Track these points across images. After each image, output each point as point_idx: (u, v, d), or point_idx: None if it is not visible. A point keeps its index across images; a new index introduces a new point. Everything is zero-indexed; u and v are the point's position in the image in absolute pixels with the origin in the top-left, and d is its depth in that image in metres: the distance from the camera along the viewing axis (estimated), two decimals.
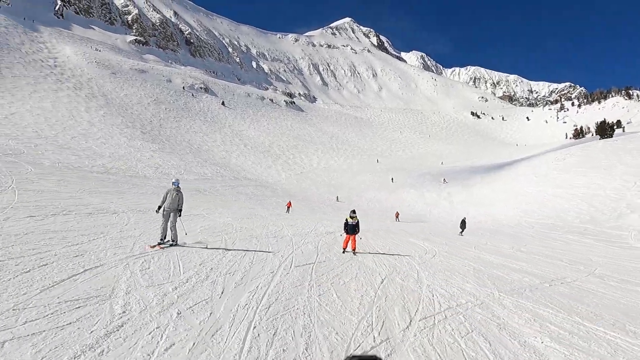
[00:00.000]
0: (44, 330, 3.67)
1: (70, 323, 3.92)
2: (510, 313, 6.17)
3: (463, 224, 26.90)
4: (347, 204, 47.26)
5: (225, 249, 9.08)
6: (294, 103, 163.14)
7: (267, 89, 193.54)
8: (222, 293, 5.62)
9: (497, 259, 12.77)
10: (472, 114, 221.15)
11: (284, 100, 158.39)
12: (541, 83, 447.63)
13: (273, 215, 23.12)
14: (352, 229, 10.93)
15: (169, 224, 8.99)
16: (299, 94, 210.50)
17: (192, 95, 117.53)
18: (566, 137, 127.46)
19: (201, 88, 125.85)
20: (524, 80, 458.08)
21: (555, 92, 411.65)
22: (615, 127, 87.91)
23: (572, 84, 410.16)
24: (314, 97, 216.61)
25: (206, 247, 9.07)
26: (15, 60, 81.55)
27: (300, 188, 59.46)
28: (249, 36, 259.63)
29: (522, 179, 50.05)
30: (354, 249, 10.81)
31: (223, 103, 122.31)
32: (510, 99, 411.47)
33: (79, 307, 4.36)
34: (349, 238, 10.97)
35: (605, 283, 9.83)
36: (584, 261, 14.40)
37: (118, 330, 3.92)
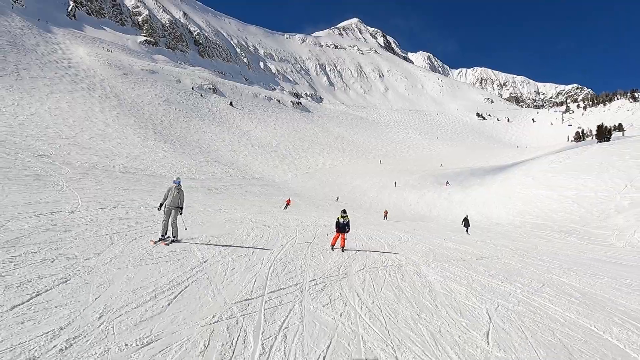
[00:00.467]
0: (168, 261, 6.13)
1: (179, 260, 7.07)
2: (430, 269, 9.49)
3: (466, 223, 28.40)
4: (349, 203, 49.39)
5: (248, 234, 11.90)
6: (301, 103, 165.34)
7: (274, 89, 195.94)
8: (252, 253, 8.96)
9: (455, 245, 15.24)
10: (478, 115, 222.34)
11: (291, 101, 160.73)
12: (548, 84, 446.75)
13: (280, 211, 25.48)
14: (342, 227, 11.52)
15: (170, 220, 9.42)
16: (306, 94, 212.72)
17: (201, 95, 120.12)
18: (568, 140, 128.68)
19: (210, 88, 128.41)
20: (531, 81, 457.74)
21: (562, 93, 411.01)
22: (614, 131, 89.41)
23: (579, 86, 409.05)
24: (320, 98, 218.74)
25: (208, 244, 11.43)
26: (32, 61, 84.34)
27: (306, 187, 61.69)
28: (256, 36, 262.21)
29: (517, 182, 51.98)
30: (342, 247, 11.33)
31: (231, 103, 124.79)
32: (517, 100, 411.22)
33: (180, 254, 7.76)
34: (338, 236, 11.54)
35: (522, 260, 12.67)
36: (529, 249, 16.86)
37: (203, 264, 7.39)
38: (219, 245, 9.51)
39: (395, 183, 66.61)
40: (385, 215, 37.53)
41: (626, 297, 8.21)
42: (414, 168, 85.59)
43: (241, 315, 4.89)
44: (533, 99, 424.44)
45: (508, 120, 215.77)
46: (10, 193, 11.98)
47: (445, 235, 21.04)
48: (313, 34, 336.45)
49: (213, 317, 4.74)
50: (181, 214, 9.76)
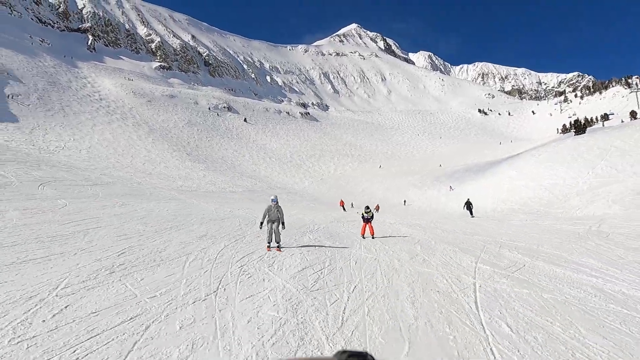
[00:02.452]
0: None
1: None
2: (399, 225, 17.69)
3: (468, 206, 31.53)
4: (362, 204, 58.59)
5: (304, 220, 20.68)
6: (309, 114, 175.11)
7: (282, 101, 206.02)
8: (312, 221, 17.31)
9: (415, 223, 24.09)
10: (479, 111, 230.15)
11: (299, 112, 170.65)
12: (549, 74, 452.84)
13: (309, 211, 34.74)
14: (366, 220, 14.00)
15: (273, 228, 10.34)
16: (312, 103, 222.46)
17: (217, 114, 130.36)
18: (557, 132, 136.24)
19: (224, 107, 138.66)
20: (532, 72, 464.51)
21: (564, 82, 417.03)
22: (601, 120, 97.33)
23: (580, 73, 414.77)
24: (326, 106, 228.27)
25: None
26: (70, 98, 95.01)
27: (322, 192, 71.03)
28: (261, 51, 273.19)
29: (504, 175, 60.64)
30: (372, 234, 13.77)
31: (245, 120, 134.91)
32: (520, 92, 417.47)
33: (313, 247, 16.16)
34: (366, 225, 13.88)
35: (452, 232, 21.14)
36: (478, 231, 25.64)
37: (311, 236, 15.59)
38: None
39: (404, 201, 75.59)
40: (377, 210, 45.88)
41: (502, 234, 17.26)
42: (416, 169, 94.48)
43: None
44: (535, 90, 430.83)
45: (509, 114, 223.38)
46: (194, 207, 21.32)
47: (416, 222, 30.10)
48: (315, 44, 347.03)
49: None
50: (283, 228, 10.72)
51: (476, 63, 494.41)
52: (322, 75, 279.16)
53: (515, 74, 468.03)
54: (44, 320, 4.54)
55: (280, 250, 9.86)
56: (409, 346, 4.46)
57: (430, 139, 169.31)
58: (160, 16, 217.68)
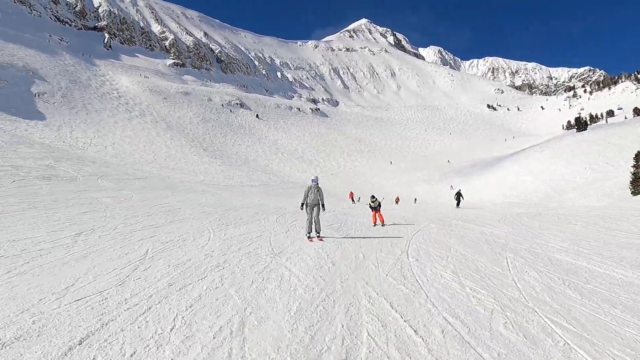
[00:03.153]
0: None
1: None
2: (402, 211, 20.93)
3: (458, 197, 32.38)
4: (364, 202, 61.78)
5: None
6: (319, 110, 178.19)
7: (292, 97, 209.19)
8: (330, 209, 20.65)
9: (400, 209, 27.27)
10: (488, 106, 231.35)
11: (310, 108, 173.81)
12: (560, 69, 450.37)
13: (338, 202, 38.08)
14: (374, 208, 14.20)
15: (313, 217, 9.78)
16: (322, 99, 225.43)
17: (230, 111, 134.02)
18: (563, 128, 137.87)
19: (237, 104, 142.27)
20: (543, 67, 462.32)
21: (575, 77, 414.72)
22: (607, 116, 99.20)
23: (592, 68, 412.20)
24: (336, 101, 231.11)
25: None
26: (91, 96, 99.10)
27: (333, 187, 74.20)
28: (271, 47, 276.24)
29: (508, 170, 63.57)
30: (382, 222, 13.75)
31: (257, 116, 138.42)
32: (530, 87, 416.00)
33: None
34: (375, 214, 13.99)
35: (433, 214, 24.32)
36: (452, 213, 28.77)
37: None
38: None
39: (415, 200, 78.64)
40: (397, 201, 50.23)
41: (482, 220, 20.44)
42: (424, 164, 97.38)
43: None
44: (546, 85, 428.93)
45: (518, 109, 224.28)
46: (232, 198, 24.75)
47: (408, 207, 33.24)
48: (324, 39, 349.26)
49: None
50: (323, 210, 10.17)
51: (486, 58, 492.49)
52: (332, 71, 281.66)
53: (526, 69, 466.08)
54: (207, 240, 7.92)
55: (321, 240, 9.49)
56: (380, 245, 7.77)
57: (438, 134, 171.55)
58: (173, 13, 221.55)
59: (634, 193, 34.11)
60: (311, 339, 3.69)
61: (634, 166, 37.02)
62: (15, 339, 3.38)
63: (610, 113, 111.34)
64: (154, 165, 51.78)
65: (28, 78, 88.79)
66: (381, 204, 15.25)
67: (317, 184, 10.16)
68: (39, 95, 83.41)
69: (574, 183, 49.80)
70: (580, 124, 76.99)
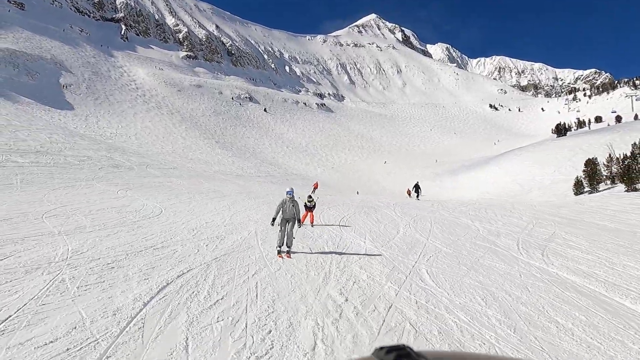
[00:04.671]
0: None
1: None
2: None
3: (417, 189, 34.68)
4: (365, 190, 69.11)
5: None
6: (325, 105, 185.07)
7: (299, 91, 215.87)
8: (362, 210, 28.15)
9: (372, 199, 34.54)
10: (491, 106, 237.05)
11: (316, 103, 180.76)
12: (566, 70, 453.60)
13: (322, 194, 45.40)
14: (308, 208, 14.46)
15: (287, 230, 9.25)
16: (329, 94, 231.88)
17: (240, 104, 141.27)
18: (552, 132, 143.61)
19: (246, 97, 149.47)
20: (549, 68, 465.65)
21: (581, 78, 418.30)
22: (595, 122, 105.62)
23: (598, 70, 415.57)
24: (342, 96, 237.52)
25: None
26: (112, 87, 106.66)
27: (332, 180, 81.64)
28: (281, 41, 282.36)
29: (489, 170, 70.68)
30: (312, 222, 14.17)
31: (265, 110, 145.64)
32: (535, 87, 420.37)
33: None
34: (308, 213, 14.22)
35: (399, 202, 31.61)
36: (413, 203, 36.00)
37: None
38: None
39: (412, 191, 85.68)
40: (409, 194, 56.95)
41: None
42: (418, 163, 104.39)
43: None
44: (551, 86, 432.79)
45: (519, 110, 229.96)
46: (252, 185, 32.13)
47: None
48: (333, 34, 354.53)
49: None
50: (299, 226, 9.66)
51: (493, 56, 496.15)
52: (339, 66, 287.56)
53: (532, 69, 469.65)
54: (248, 205, 15.28)
55: (289, 257, 8.95)
56: (355, 209, 15.11)
57: (440, 132, 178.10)
58: (187, 5, 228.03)
59: (575, 193, 41.19)
60: None
61: (584, 171, 44.04)
62: (206, 226, 10.84)
63: (599, 119, 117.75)
64: (174, 156, 59.30)
65: (56, 70, 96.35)
66: (316, 205, 15.11)
67: (293, 196, 9.60)
68: (66, 86, 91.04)
69: (540, 183, 56.73)
70: (559, 131, 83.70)
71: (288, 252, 9.06)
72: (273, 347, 4.18)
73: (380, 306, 5.66)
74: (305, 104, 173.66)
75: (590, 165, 42.84)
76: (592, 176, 40.88)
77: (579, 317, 5.55)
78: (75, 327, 4.34)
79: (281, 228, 9.19)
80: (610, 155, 43.07)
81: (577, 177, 42.70)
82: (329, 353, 4.09)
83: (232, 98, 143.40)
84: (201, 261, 7.81)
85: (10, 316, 4.51)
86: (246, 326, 4.68)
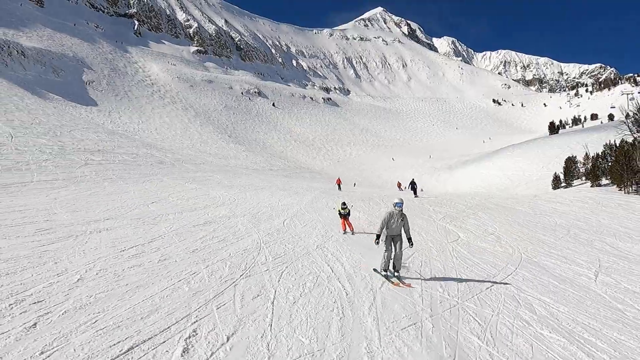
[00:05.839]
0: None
1: None
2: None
3: (412, 186, 33.65)
4: (367, 183, 74.71)
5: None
6: (331, 99, 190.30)
7: (306, 85, 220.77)
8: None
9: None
10: (494, 101, 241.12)
11: (322, 97, 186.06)
12: (571, 65, 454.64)
13: (330, 183, 50.97)
14: (343, 215, 13.34)
15: (395, 252, 7.68)
16: (334, 87, 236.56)
17: (249, 99, 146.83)
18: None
19: (255, 92, 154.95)
20: (554, 62, 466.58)
21: (586, 73, 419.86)
22: (592, 119, 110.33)
23: (603, 65, 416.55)
24: (347, 90, 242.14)
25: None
26: (130, 83, 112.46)
27: (338, 173, 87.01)
28: (288, 35, 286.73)
29: (483, 166, 75.98)
30: (352, 230, 13.00)
31: (273, 104, 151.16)
32: (540, 81, 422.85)
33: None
34: (344, 221, 13.13)
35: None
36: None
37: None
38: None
39: (400, 183, 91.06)
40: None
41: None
42: (420, 157, 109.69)
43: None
44: (556, 80, 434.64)
45: (522, 105, 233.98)
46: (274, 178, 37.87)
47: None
48: (340, 27, 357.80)
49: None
50: (411, 245, 7.84)
51: (499, 50, 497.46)
52: (345, 60, 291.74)
53: (538, 63, 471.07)
54: (284, 195, 21.03)
55: (407, 285, 7.22)
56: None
57: (443, 127, 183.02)
58: (197, 0, 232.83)
59: (553, 188, 46.59)
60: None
61: (563, 168, 49.42)
62: (273, 205, 16.69)
63: (594, 116, 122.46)
64: (194, 151, 65.14)
65: (78, 67, 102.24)
66: (350, 212, 13.86)
67: (402, 209, 7.86)
68: (89, 83, 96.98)
69: (528, 178, 61.98)
70: (552, 128, 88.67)
71: (399, 279, 7.48)
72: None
73: None
74: (312, 98, 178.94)
75: (569, 162, 48.22)
76: (567, 173, 46.20)
77: (440, 233, 11.24)
78: (276, 226, 10.14)
79: (387, 248, 7.70)
80: (586, 154, 48.37)
81: (555, 173, 48.04)
82: None
83: (242, 93, 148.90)
84: (290, 213, 14.08)
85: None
86: (305, 224, 10.45)
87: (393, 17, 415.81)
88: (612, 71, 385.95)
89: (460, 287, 7.13)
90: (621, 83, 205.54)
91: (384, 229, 7.65)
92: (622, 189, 33.01)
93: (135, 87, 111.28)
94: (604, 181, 39.30)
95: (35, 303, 4.98)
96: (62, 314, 4.72)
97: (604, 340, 5.07)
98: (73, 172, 21.48)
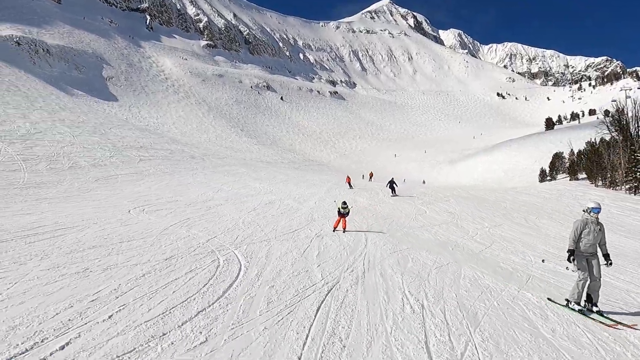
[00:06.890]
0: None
1: None
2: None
3: (392, 186, 28.48)
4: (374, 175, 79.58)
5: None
6: (337, 93, 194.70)
7: (313, 79, 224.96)
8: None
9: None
10: (498, 94, 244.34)
11: (329, 91, 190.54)
12: (577, 58, 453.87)
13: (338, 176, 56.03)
14: (342, 214, 13.01)
15: (593, 273, 5.75)
16: (341, 81, 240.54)
17: (258, 93, 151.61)
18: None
19: (264, 86, 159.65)
20: (561, 55, 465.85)
21: (592, 66, 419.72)
22: (590, 115, 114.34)
23: (609, 58, 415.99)
24: (353, 83, 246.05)
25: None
26: (145, 78, 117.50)
27: (343, 165, 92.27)
28: (295, 27, 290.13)
29: (481, 159, 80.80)
30: (344, 228, 12.78)
31: (282, 98, 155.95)
32: (546, 74, 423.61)
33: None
34: (340, 219, 12.95)
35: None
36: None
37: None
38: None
39: (403, 180, 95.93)
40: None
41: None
42: (422, 150, 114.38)
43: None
44: (562, 73, 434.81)
45: (525, 99, 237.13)
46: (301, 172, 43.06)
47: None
48: (346, 19, 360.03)
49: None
50: (609, 264, 5.79)
51: (505, 43, 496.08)
52: (351, 53, 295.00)
53: (543, 56, 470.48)
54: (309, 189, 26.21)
55: (631, 326, 5.17)
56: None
57: (447, 121, 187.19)
58: None
59: (540, 181, 51.47)
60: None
61: (550, 163, 54.25)
62: (302, 192, 21.95)
63: (592, 112, 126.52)
64: (212, 144, 70.42)
65: (98, 63, 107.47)
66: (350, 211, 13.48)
67: (598, 217, 5.83)
68: (109, 78, 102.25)
69: (521, 171, 66.77)
70: (548, 124, 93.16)
71: (603, 315, 5.56)
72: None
73: None
74: (318, 91, 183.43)
75: (555, 158, 53.08)
76: (552, 168, 51.08)
77: (414, 209, 16.37)
78: (306, 214, 15.37)
79: (581, 271, 5.76)
80: (571, 150, 53.13)
81: (542, 167, 52.92)
82: None
83: (251, 87, 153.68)
84: (316, 198, 19.46)
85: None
86: (330, 203, 15.64)
87: (399, 9, 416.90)
88: (618, 64, 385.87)
89: (402, 230, 12.50)
90: (624, 77, 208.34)
91: (576, 241, 5.79)
92: (593, 182, 38.03)
93: (151, 82, 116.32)
94: (582, 175, 44.21)
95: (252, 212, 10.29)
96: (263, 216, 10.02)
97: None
98: (135, 167, 26.71)
